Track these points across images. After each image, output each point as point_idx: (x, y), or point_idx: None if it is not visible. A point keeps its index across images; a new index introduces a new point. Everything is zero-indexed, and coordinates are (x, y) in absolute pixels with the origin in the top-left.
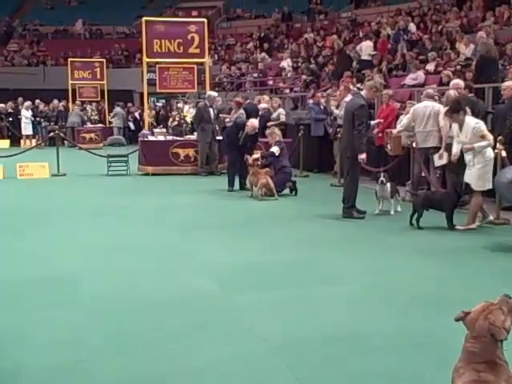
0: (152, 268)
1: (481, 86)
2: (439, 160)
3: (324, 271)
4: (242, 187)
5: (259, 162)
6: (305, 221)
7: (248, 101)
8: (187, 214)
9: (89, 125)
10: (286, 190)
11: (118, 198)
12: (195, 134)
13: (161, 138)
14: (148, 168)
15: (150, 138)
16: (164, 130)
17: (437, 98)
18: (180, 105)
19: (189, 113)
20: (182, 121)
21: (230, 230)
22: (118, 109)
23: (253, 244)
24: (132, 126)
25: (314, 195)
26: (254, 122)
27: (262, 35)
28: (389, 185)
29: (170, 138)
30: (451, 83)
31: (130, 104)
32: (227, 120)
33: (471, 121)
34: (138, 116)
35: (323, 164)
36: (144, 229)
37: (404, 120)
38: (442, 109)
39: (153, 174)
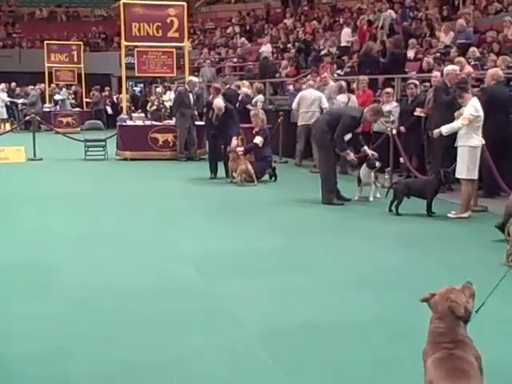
0: (131, 255)
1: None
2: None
3: (304, 258)
4: (227, 175)
5: (241, 154)
6: (284, 207)
7: (227, 86)
8: (166, 200)
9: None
10: (266, 177)
11: (96, 184)
12: (174, 118)
13: (139, 122)
14: (126, 153)
15: (128, 122)
16: (142, 114)
17: (315, 87)
18: (159, 89)
19: (171, 98)
20: (161, 105)
21: (209, 216)
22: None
23: (232, 231)
24: (110, 111)
25: (293, 181)
26: (218, 102)
27: (240, 26)
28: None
29: (148, 122)
30: (448, 68)
31: (107, 88)
32: None
33: (470, 103)
34: (115, 100)
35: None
36: (122, 215)
37: (293, 104)
38: (323, 96)
39: (131, 159)
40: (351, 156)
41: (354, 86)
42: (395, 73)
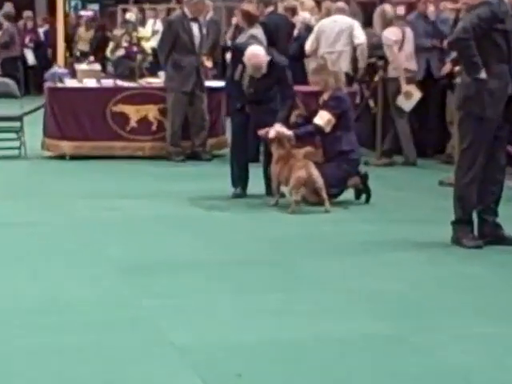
0: (82, 351)
1: None
2: (407, 101)
3: (419, 360)
4: (269, 190)
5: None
6: (381, 256)
7: (270, 9)
8: (146, 242)
9: None
10: (349, 193)
11: (4, 207)
12: (161, 74)
13: (90, 82)
14: (63, 144)
15: (68, 82)
16: (97, 66)
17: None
18: (130, 15)
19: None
20: (136, 48)
21: (228, 275)
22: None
23: (273, 305)
24: (31, 59)
25: (403, 203)
26: (254, 53)
27: None
28: None
29: (108, 82)
30: None
31: (28, 13)
32: None
33: None
34: (43, 37)
35: (424, 139)
36: (61, 272)
37: (308, 42)
38: (356, 24)
39: (72, 158)
40: (483, 74)
41: None
42: None
